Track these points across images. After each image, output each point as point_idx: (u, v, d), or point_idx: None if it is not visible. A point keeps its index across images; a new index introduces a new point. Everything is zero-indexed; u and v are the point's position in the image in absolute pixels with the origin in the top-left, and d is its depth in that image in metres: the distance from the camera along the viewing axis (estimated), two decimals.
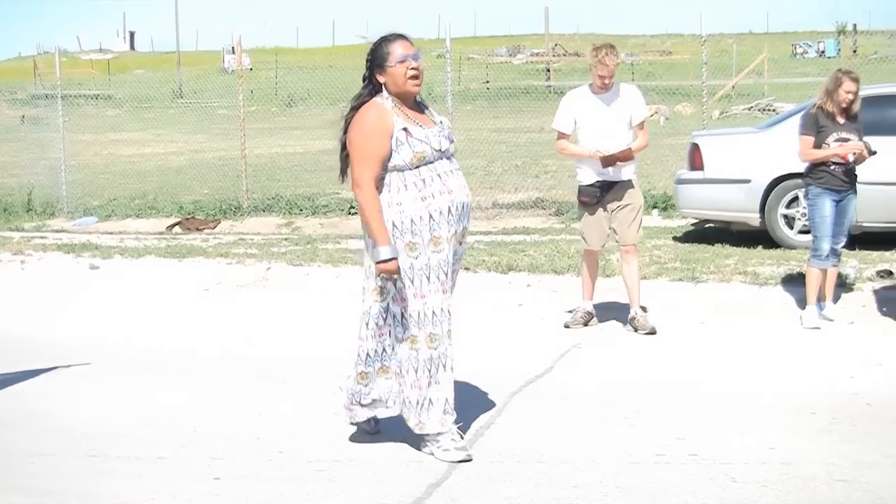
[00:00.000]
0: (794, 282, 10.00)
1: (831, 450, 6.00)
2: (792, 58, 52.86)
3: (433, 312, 5.85)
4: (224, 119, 26.02)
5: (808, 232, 12.24)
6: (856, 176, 9.30)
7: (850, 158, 9.07)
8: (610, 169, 8.97)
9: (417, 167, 5.78)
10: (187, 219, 16.74)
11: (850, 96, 9.12)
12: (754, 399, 7.09)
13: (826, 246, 9.20)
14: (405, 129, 5.78)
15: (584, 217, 9.31)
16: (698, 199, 12.97)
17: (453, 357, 5.98)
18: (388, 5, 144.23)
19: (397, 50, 5.82)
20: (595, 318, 9.43)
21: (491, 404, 6.90)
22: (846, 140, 9.11)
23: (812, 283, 9.28)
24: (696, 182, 12.86)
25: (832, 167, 9.17)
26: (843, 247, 9.53)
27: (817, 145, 9.20)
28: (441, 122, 6.00)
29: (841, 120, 9.19)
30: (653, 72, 41.10)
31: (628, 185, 9.17)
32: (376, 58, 5.86)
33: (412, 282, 5.81)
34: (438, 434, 5.92)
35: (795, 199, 12.12)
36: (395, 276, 5.75)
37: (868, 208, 10.69)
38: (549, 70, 45.15)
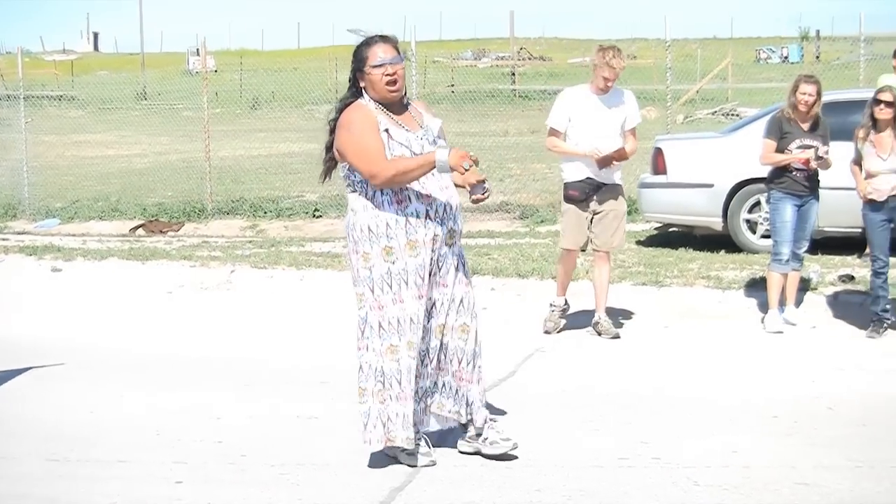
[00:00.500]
0: (757, 286, 10.05)
1: (793, 453, 6.04)
2: (756, 63, 53.16)
3: (410, 319, 5.71)
4: (188, 121, 25.90)
5: (770, 236, 12.35)
6: (818, 181, 9.37)
7: (813, 165, 9.13)
8: (604, 169, 8.92)
9: None
10: (151, 221, 16.68)
11: (808, 98, 9.18)
12: (717, 403, 7.13)
13: (786, 251, 9.26)
14: (387, 131, 5.72)
15: (569, 213, 9.14)
16: (661, 204, 13.03)
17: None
18: (353, 7, 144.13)
19: (377, 54, 5.75)
20: (568, 308, 9.43)
21: None
22: (809, 147, 9.18)
23: (773, 288, 9.33)
24: (659, 186, 12.92)
25: (794, 172, 9.24)
26: (806, 251, 9.60)
27: (780, 151, 9.27)
28: (426, 127, 5.88)
29: (805, 126, 9.26)
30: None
31: (618, 190, 9.12)
32: (357, 60, 5.82)
33: (390, 286, 5.70)
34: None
35: (757, 203, 12.20)
36: (471, 155, 5.62)
37: (830, 213, 10.76)
38: (514, 74, 45.18)
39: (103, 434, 6.51)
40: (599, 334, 9.13)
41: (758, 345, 8.85)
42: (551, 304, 9.42)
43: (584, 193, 9.03)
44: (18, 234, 15.74)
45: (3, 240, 14.44)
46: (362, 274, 5.75)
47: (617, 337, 9.06)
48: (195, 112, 23.67)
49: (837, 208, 10.92)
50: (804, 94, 9.19)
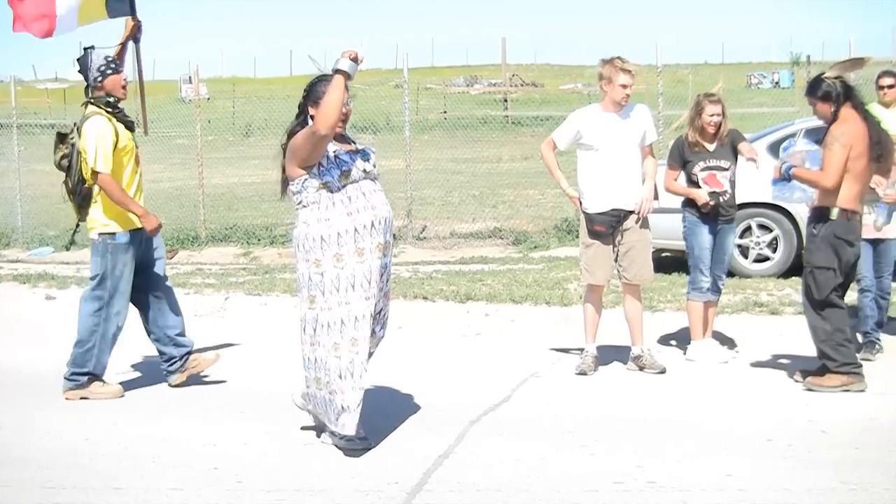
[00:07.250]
0: (750, 310, 10.07)
1: (787, 476, 6.06)
2: (747, 88, 53.27)
3: (355, 318, 6.38)
4: (181, 149, 25.89)
5: (763, 260, 12.38)
6: (733, 207, 9.20)
7: (710, 204, 8.96)
8: (635, 201, 8.61)
9: (344, 186, 6.41)
10: None
11: (716, 118, 8.99)
12: (711, 426, 7.13)
13: (706, 278, 9.09)
14: (335, 152, 6.45)
15: (594, 249, 8.70)
16: (654, 229, 13.00)
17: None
18: (344, 35, 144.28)
19: None
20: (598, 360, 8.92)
21: (450, 433, 6.90)
22: (715, 167, 9.01)
23: (696, 318, 9.17)
24: (651, 211, 12.90)
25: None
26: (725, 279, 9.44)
27: (687, 176, 9.12)
28: (363, 150, 6.61)
29: (711, 147, 9.06)
30: None
31: (644, 217, 8.79)
32: (313, 94, 6.54)
33: (338, 290, 6.37)
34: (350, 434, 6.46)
35: (748, 228, 12.26)
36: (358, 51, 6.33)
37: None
38: (506, 100, 45.29)
39: (99, 461, 6.51)
40: (641, 369, 8.71)
41: (752, 368, 8.86)
42: (585, 352, 8.84)
43: (611, 227, 8.65)
44: (12, 262, 15.75)
45: None
46: (314, 279, 6.42)
47: (663, 372, 8.66)
48: (188, 139, 23.68)
49: None
50: (711, 115, 8.98)
